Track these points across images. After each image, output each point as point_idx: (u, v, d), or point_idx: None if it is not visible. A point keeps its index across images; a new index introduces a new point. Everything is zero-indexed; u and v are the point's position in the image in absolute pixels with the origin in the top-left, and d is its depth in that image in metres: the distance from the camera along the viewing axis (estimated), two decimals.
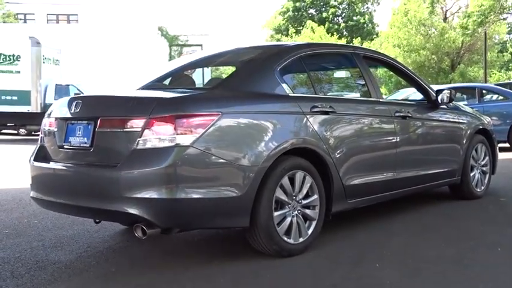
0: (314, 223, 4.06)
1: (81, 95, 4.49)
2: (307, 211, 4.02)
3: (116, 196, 3.46)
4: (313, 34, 39.74)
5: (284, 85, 4.12)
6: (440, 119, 5.51)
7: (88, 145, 3.74)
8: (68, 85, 19.77)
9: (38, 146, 4.27)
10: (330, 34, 41.67)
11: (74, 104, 3.88)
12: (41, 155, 4.17)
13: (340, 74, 4.67)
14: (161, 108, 3.49)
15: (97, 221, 4.43)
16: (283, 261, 3.82)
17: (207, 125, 3.51)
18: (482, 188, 6.05)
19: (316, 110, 4.15)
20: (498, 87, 13.72)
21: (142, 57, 28.04)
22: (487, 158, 6.12)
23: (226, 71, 4.84)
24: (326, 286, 3.37)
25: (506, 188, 6.59)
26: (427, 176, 5.31)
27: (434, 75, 33.66)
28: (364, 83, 4.84)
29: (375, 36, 45.61)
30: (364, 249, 4.11)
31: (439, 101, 5.41)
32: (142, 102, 3.70)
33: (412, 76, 5.49)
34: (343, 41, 42.91)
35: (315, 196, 4.06)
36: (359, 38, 43.51)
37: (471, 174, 5.86)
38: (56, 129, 4.03)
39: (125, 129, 3.54)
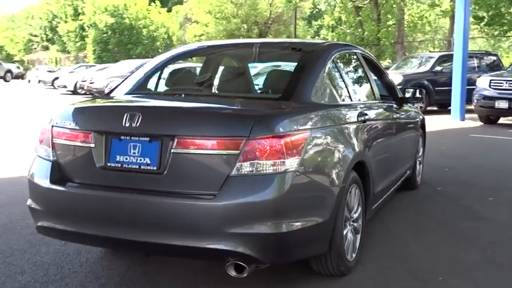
0: (359, 236, 3.92)
1: (139, 105, 3.64)
2: (355, 225, 3.86)
3: (213, 231, 2.91)
4: None
5: (334, 92, 3.85)
6: (407, 117, 5.66)
7: (155, 168, 3.06)
8: None
9: (51, 162, 3.39)
10: None
11: (127, 116, 3.12)
12: (61, 176, 3.34)
13: (354, 76, 4.51)
14: (262, 126, 2.97)
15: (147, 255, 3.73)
16: (340, 281, 3.63)
17: (302, 145, 3.12)
18: (419, 177, 6.43)
19: (360, 118, 3.97)
20: None
21: None
22: (421, 149, 6.50)
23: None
24: None
25: (428, 176, 7.05)
26: (404, 172, 5.48)
27: None
28: (369, 85, 4.75)
29: (185, 1, 45.23)
30: (400, 261, 4.07)
31: (405, 100, 5.53)
32: (237, 118, 3.12)
33: (384, 73, 5.50)
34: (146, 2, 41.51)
35: (360, 208, 3.91)
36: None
37: None
38: (92, 145, 3.24)
39: (215, 152, 2.97)
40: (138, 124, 3.09)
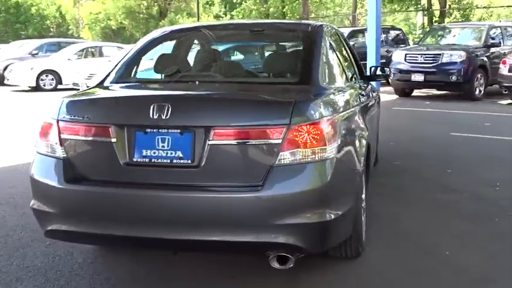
0: (365, 214, 3.94)
1: (168, 94, 3.36)
2: (363, 205, 3.87)
3: (258, 224, 2.81)
4: None
5: (338, 74, 3.83)
6: (374, 94, 5.73)
7: (189, 161, 2.88)
8: None
9: (61, 159, 3.08)
10: None
11: (155, 107, 2.89)
12: (76, 174, 3.06)
13: (344, 57, 4.46)
14: (301, 113, 2.88)
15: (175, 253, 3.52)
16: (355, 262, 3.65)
17: (336, 130, 3.07)
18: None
19: (362, 99, 3.98)
20: None
21: None
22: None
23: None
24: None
25: (379, 151, 7.24)
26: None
27: (143, 21, 33.65)
28: (352, 64, 4.76)
29: None
30: (401, 239, 4.16)
31: (371, 77, 5.58)
32: (276, 106, 3.00)
33: (353, 51, 5.51)
34: None
35: (364, 189, 3.93)
36: None
37: None
38: (113, 140, 2.97)
39: (256, 142, 2.83)
40: (168, 116, 2.88)
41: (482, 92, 13.51)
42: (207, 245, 2.92)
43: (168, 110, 2.89)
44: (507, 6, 26.14)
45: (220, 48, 4.49)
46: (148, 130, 2.95)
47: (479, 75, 13.33)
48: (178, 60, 4.05)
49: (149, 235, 2.92)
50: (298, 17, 25.79)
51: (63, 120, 3.10)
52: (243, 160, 2.87)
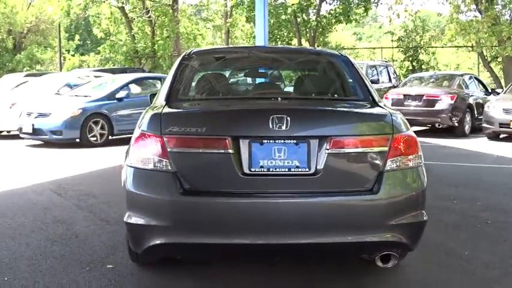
0: None
1: (286, 107, 3.39)
2: None
3: (376, 225, 3.10)
4: None
5: None
6: None
7: (307, 170, 3.07)
8: None
9: (170, 173, 3.05)
10: None
11: (274, 119, 3.05)
12: (187, 186, 3.06)
13: None
14: (398, 123, 3.28)
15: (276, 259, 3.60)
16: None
17: None
18: None
19: None
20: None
21: None
22: None
23: None
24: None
25: None
26: None
27: None
28: None
29: None
30: None
31: None
32: (381, 117, 3.33)
33: None
34: None
35: None
36: None
37: None
38: (230, 151, 3.04)
39: (367, 150, 3.14)
40: (288, 127, 3.06)
41: None
42: (330, 247, 3.14)
43: (287, 121, 3.06)
44: (372, 48, 28.88)
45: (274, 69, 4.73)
46: (265, 141, 3.08)
47: None
48: (239, 80, 4.21)
49: (271, 241, 3.07)
50: (169, 54, 26.01)
51: (169, 134, 3.10)
52: (356, 167, 3.16)
